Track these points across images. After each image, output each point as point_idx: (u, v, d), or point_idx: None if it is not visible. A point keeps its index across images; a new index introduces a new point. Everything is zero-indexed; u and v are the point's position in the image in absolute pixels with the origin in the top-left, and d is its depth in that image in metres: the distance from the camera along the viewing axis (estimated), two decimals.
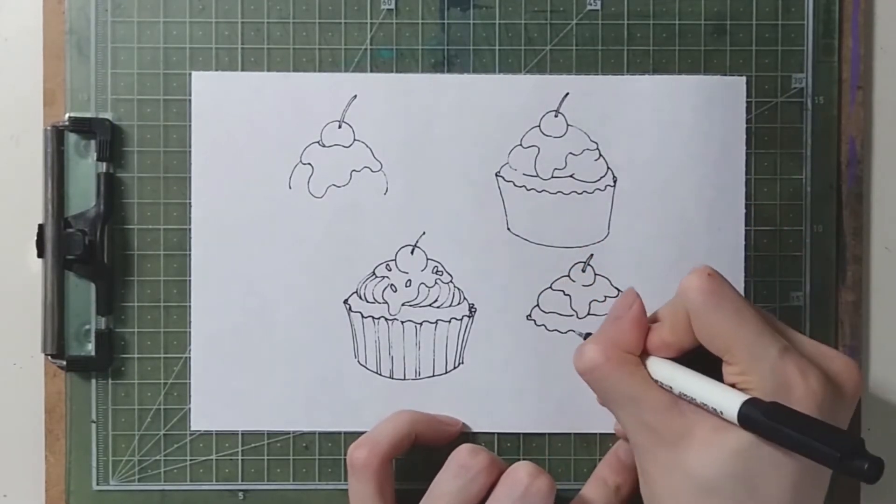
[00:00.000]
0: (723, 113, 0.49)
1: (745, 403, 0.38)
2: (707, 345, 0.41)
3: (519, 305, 0.49)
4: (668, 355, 0.42)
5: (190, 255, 0.49)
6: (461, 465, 0.44)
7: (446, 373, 0.49)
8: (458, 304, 0.49)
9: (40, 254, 0.48)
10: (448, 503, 0.44)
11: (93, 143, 0.49)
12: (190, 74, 0.49)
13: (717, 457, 0.39)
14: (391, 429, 0.46)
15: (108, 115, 0.49)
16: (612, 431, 0.49)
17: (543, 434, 0.49)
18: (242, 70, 0.49)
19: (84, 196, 0.49)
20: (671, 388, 0.41)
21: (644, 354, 0.43)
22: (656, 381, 0.42)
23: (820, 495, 0.41)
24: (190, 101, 0.49)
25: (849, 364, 0.41)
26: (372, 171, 0.49)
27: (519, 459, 0.48)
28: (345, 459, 0.47)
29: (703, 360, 0.41)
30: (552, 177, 0.49)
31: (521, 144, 0.49)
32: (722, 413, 0.39)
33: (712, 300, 0.40)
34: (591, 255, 0.49)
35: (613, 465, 0.47)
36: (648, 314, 0.43)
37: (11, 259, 0.50)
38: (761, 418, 0.38)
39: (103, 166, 0.49)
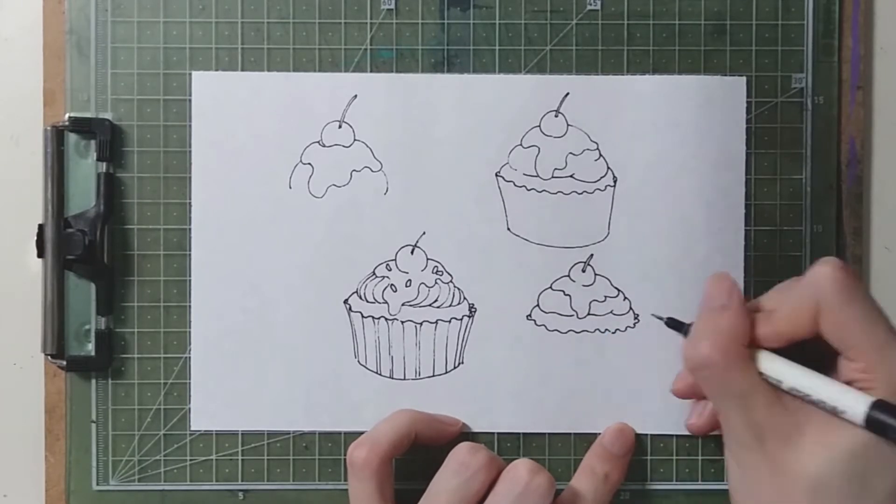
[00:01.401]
0: (723, 113, 0.49)
1: (875, 405, 0.38)
2: (832, 337, 0.40)
3: (519, 305, 0.49)
4: (778, 346, 0.41)
5: (190, 255, 0.49)
6: (460, 463, 0.44)
7: (446, 373, 0.49)
8: (458, 304, 0.49)
9: (40, 254, 0.48)
10: (448, 501, 0.44)
11: (93, 143, 0.49)
12: (190, 74, 0.49)
13: (832, 456, 0.39)
14: (391, 428, 0.46)
15: (108, 115, 0.49)
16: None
17: (543, 434, 0.49)
18: (242, 70, 0.49)
19: (84, 196, 0.49)
20: (780, 381, 0.40)
21: (751, 345, 0.41)
22: (761, 374, 0.41)
23: None
24: (190, 101, 0.49)
25: None
26: (372, 170, 0.49)
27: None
28: (345, 459, 0.47)
29: (802, 354, 0.40)
30: (552, 177, 0.49)
31: (521, 144, 0.49)
32: (844, 413, 0.39)
33: (847, 293, 0.39)
34: (591, 255, 0.49)
35: (601, 454, 0.47)
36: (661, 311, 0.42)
37: (11, 259, 0.50)
38: (892, 421, 0.37)
39: (103, 166, 0.49)
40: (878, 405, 0.38)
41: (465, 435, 0.49)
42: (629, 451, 0.48)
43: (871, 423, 0.38)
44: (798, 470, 0.39)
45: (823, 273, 0.40)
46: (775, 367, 0.41)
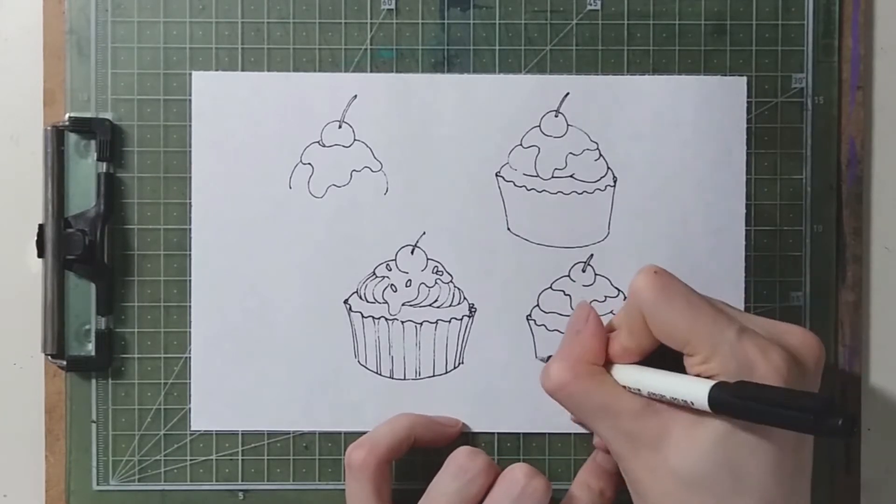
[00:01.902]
0: (723, 113, 0.49)
1: (714, 388, 0.39)
2: (665, 341, 0.41)
3: (519, 305, 0.49)
4: (631, 360, 0.43)
5: (190, 255, 0.49)
6: (459, 467, 0.44)
7: (446, 373, 0.49)
8: (458, 304, 0.49)
9: (40, 254, 0.48)
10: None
11: (93, 143, 0.49)
12: (190, 74, 0.49)
13: (697, 449, 0.39)
14: (390, 431, 0.46)
15: (108, 115, 0.49)
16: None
17: (543, 434, 0.49)
18: (242, 70, 0.49)
19: (84, 196, 0.49)
20: (639, 390, 0.41)
21: (608, 364, 0.43)
22: (625, 387, 0.42)
23: (804, 475, 0.41)
24: (190, 101, 0.49)
25: (807, 336, 0.41)
26: (372, 170, 0.49)
27: (519, 460, 0.48)
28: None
29: (666, 361, 0.42)
30: (552, 177, 0.49)
31: (521, 144, 0.49)
32: (693, 403, 0.39)
33: (663, 296, 0.41)
34: (591, 255, 0.49)
35: (594, 470, 0.47)
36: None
37: (11, 259, 0.50)
38: (731, 399, 0.38)
39: (103, 166, 0.49)
40: (717, 387, 0.39)
41: (465, 435, 0.49)
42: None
43: (714, 405, 0.38)
44: (672, 469, 0.40)
45: (637, 283, 0.41)
46: (630, 375, 0.42)
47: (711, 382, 0.39)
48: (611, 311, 0.49)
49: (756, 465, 0.39)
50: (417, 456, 0.48)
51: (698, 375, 0.40)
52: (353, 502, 0.45)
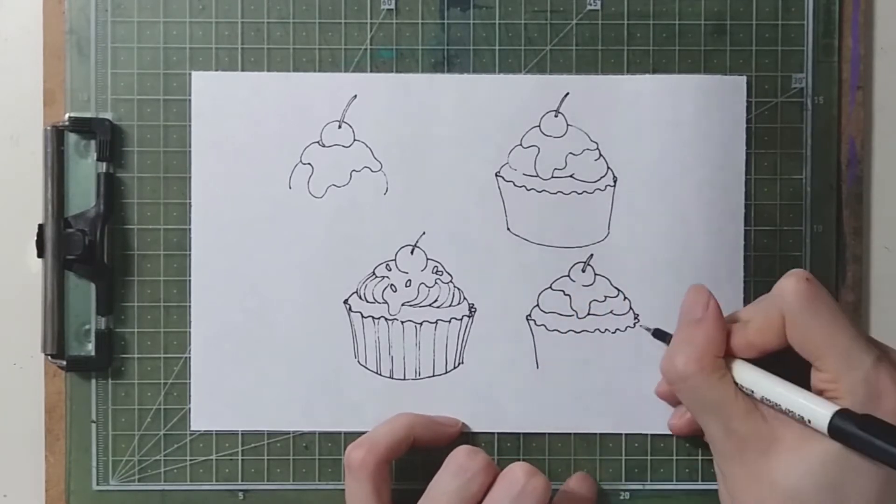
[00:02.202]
0: (723, 113, 0.49)
1: (837, 414, 0.38)
2: (800, 349, 0.41)
3: (519, 305, 0.49)
4: (751, 356, 0.42)
5: (190, 255, 0.49)
6: (459, 466, 0.44)
7: (446, 373, 0.49)
8: (458, 304, 0.49)
9: (40, 254, 0.48)
10: (447, 503, 0.44)
11: (93, 143, 0.49)
12: (190, 74, 0.49)
13: (805, 466, 0.39)
14: (389, 431, 0.46)
15: (108, 115, 0.49)
16: (611, 432, 0.49)
17: (543, 434, 0.49)
18: (242, 70, 0.49)
19: (84, 196, 0.49)
20: (753, 392, 0.41)
21: (727, 356, 0.43)
22: (738, 385, 0.42)
23: None
24: (190, 101, 0.49)
25: None
26: (372, 171, 0.49)
27: (519, 459, 0.48)
28: None
29: (783, 365, 0.41)
30: (552, 177, 0.49)
31: (521, 144, 0.49)
32: (810, 422, 0.39)
33: (811, 305, 0.40)
34: (591, 255, 0.49)
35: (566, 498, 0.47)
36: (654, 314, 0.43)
37: (11, 259, 0.50)
38: (854, 430, 0.38)
39: (103, 166, 0.49)
40: (841, 414, 0.38)
41: (465, 435, 0.49)
42: (594, 497, 0.48)
43: (834, 432, 0.38)
44: (774, 480, 0.40)
45: (787, 285, 0.41)
46: (749, 376, 0.42)
47: (834, 406, 0.39)
48: (611, 311, 0.49)
49: (859, 491, 0.39)
50: (417, 456, 0.48)
51: (821, 392, 0.40)
52: (352, 502, 0.45)
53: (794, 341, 0.41)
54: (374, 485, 0.45)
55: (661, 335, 0.47)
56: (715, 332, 0.42)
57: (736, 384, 0.42)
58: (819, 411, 0.39)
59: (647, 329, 0.47)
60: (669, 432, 0.49)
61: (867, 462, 0.39)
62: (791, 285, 0.41)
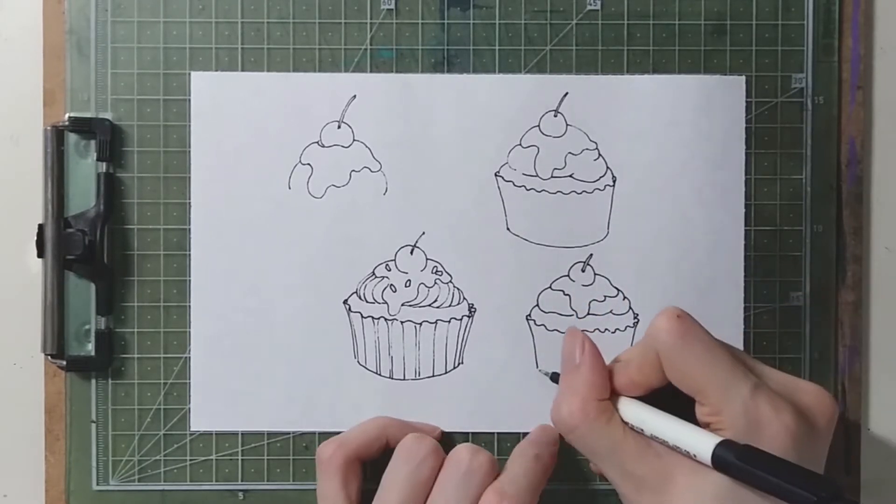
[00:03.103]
0: (723, 113, 0.49)
1: (719, 446, 0.38)
2: (679, 385, 0.41)
3: (519, 305, 0.49)
4: (636, 394, 0.42)
5: (190, 255, 0.49)
6: (408, 452, 0.45)
7: (446, 373, 0.49)
8: (458, 304, 0.49)
9: (40, 254, 0.48)
10: (400, 489, 0.45)
11: (93, 143, 0.49)
12: (190, 74, 0.49)
13: (698, 501, 0.39)
14: (361, 431, 0.47)
15: (108, 115, 0.49)
16: None
17: None
18: (242, 70, 0.49)
19: (84, 196, 0.49)
20: (642, 430, 0.41)
21: (612, 396, 0.43)
22: (627, 424, 0.42)
23: None
24: (190, 101, 0.49)
25: (821, 394, 0.41)
26: (371, 171, 0.49)
27: None
28: None
29: (673, 399, 0.41)
30: (552, 177, 0.49)
31: (520, 144, 0.49)
32: (695, 456, 0.39)
33: (683, 341, 0.41)
34: (591, 254, 0.49)
35: (526, 443, 0.47)
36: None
37: (11, 259, 0.50)
38: (735, 461, 0.38)
39: (103, 166, 0.49)
40: (722, 445, 0.38)
41: (465, 435, 0.49)
42: (555, 442, 0.48)
43: (717, 464, 0.38)
44: None
45: (659, 324, 0.41)
46: (636, 414, 0.42)
47: (717, 438, 0.39)
48: (610, 311, 0.49)
49: None
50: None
51: (706, 425, 0.40)
52: (322, 496, 0.46)
53: (673, 378, 0.41)
54: (343, 480, 0.46)
55: (556, 378, 0.47)
56: (594, 377, 0.43)
57: (625, 423, 0.42)
58: (702, 444, 0.39)
59: (546, 374, 0.48)
60: None
61: (757, 497, 0.39)
62: (663, 323, 0.41)
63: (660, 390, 0.42)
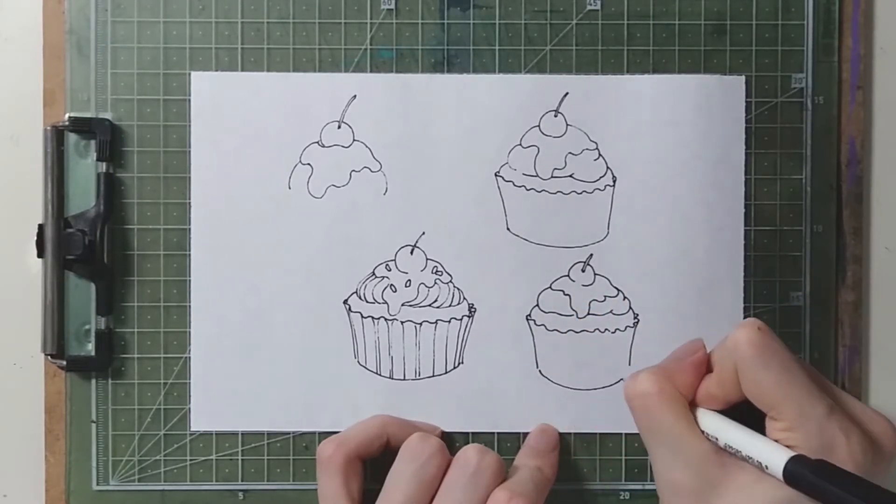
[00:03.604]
0: (722, 113, 0.49)
1: (792, 459, 0.39)
2: (754, 400, 0.41)
3: (519, 305, 0.49)
4: (715, 407, 0.43)
5: (190, 255, 0.49)
6: (413, 451, 0.45)
7: (446, 373, 0.49)
8: (458, 304, 0.49)
9: (40, 254, 0.48)
10: (405, 489, 0.45)
11: (93, 143, 0.49)
12: (190, 74, 0.49)
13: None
14: (362, 429, 0.47)
15: (108, 115, 0.49)
16: (611, 432, 0.49)
17: None
18: (242, 70, 0.49)
19: (84, 196, 0.49)
20: (717, 439, 0.42)
21: (693, 405, 0.43)
22: (703, 432, 0.42)
23: None
24: (190, 101, 0.49)
25: (889, 427, 0.42)
26: (371, 171, 0.49)
27: None
28: None
29: (748, 413, 0.42)
30: (552, 177, 0.49)
31: (520, 144, 0.49)
32: (767, 467, 0.40)
33: (762, 357, 0.40)
34: (591, 254, 0.49)
35: (528, 453, 0.48)
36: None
37: (11, 259, 0.50)
38: (808, 475, 0.38)
39: (103, 166, 0.49)
40: (796, 459, 0.39)
41: (465, 435, 0.49)
42: (555, 448, 0.48)
43: (789, 477, 0.39)
44: None
45: (739, 336, 0.41)
46: (713, 424, 0.42)
47: (791, 452, 0.39)
48: (610, 311, 0.49)
49: None
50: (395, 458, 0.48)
51: (777, 441, 0.40)
52: (322, 496, 0.46)
53: (749, 392, 0.41)
54: (344, 479, 0.46)
55: None
56: (689, 372, 0.43)
57: (702, 431, 0.42)
58: (776, 456, 0.39)
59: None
60: None
61: None
62: (742, 336, 0.41)
63: (737, 405, 0.42)
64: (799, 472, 0.38)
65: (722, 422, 0.42)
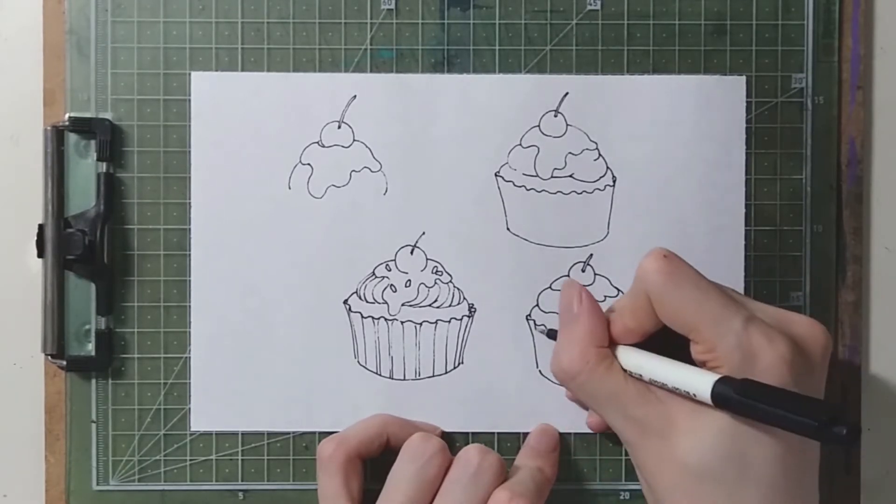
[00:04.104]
0: (723, 113, 0.49)
1: (718, 383, 0.38)
2: (671, 325, 0.41)
3: (519, 305, 0.49)
4: (633, 341, 0.43)
5: (190, 255, 0.49)
6: (415, 451, 0.45)
7: (446, 373, 0.49)
8: (458, 304, 0.49)
9: (40, 254, 0.48)
10: (407, 489, 0.45)
11: (93, 143, 0.49)
12: (190, 74, 0.49)
13: (702, 440, 0.39)
14: (362, 428, 0.47)
15: (108, 115, 0.49)
16: (611, 432, 0.49)
17: None
18: (242, 70, 0.49)
19: (84, 196, 0.49)
20: (641, 375, 0.41)
21: (610, 344, 0.43)
22: (626, 371, 0.42)
23: (811, 470, 0.41)
24: (190, 101, 0.49)
25: (813, 325, 0.41)
26: (371, 171, 0.49)
27: None
28: None
29: (668, 343, 0.41)
30: (552, 177, 0.49)
31: (520, 144, 0.49)
32: (695, 395, 0.39)
33: (672, 280, 0.41)
34: (591, 254, 0.49)
35: (529, 453, 0.48)
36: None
37: (11, 259, 0.50)
38: (735, 396, 0.38)
39: (103, 166, 0.49)
40: (720, 382, 0.38)
41: (465, 435, 0.49)
42: (555, 448, 0.48)
43: (717, 402, 0.38)
44: (678, 459, 0.40)
45: (647, 265, 0.41)
46: (634, 360, 0.42)
47: (715, 376, 0.39)
48: None
49: (761, 456, 0.39)
50: (394, 457, 0.48)
51: (702, 363, 0.40)
52: (322, 495, 0.46)
53: (665, 318, 0.41)
54: (344, 478, 0.46)
55: (553, 335, 0.47)
56: (593, 324, 0.43)
57: (624, 371, 0.42)
58: (700, 383, 0.39)
59: (542, 331, 0.48)
60: None
61: (759, 431, 0.39)
62: (650, 265, 0.41)
63: (655, 336, 0.42)
64: (726, 395, 0.38)
65: (643, 357, 0.42)
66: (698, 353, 0.40)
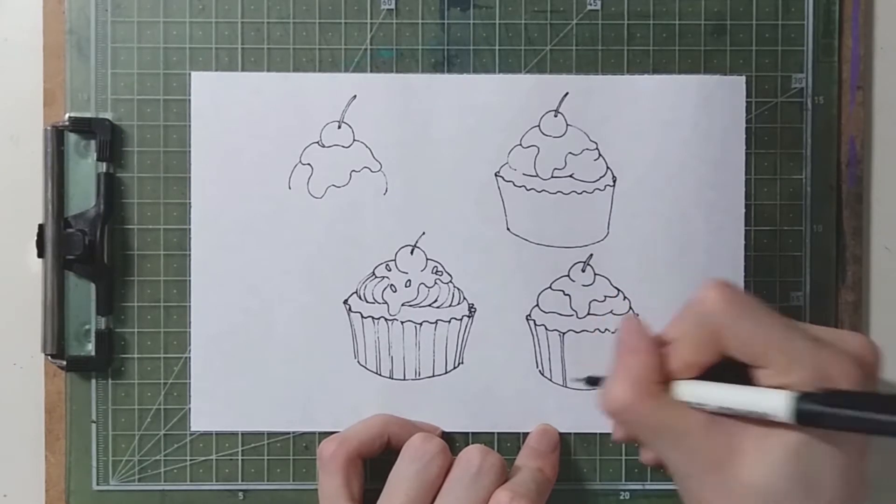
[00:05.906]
0: (722, 113, 0.49)
1: (800, 398, 0.38)
2: (738, 354, 0.40)
3: (519, 305, 0.49)
4: (692, 375, 0.41)
5: (190, 255, 0.49)
6: (416, 451, 0.45)
7: (446, 373, 0.49)
8: (458, 304, 0.49)
9: (40, 254, 0.48)
10: (408, 489, 0.45)
11: (93, 143, 0.49)
12: (190, 74, 0.49)
13: (771, 463, 0.39)
14: (363, 428, 0.47)
15: (108, 115, 0.49)
16: (611, 432, 0.48)
17: None
18: (242, 70, 0.49)
19: (84, 196, 0.49)
20: (705, 405, 0.40)
21: (665, 381, 0.41)
22: (688, 405, 0.40)
23: (864, 483, 0.41)
24: (190, 101, 0.49)
25: (864, 340, 0.41)
26: (371, 171, 0.49)
27: None
28: None
29: (720, 377, 0.40)
30: (552, 177, 0.49)
31: (520, 144, 0.49)
32: (773, 416, 0.38)
33: (737, 309, 0.40)
34: (591, 254, 0.49)
35: (529, 454, 0.48)
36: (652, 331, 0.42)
37: (11, 259, 0.50)
38: (821, 408, 0.37)
39: (103, 166, 0.49)
40: (804, 397, 0.38)
41: (465, 435, 0.49)
42: (555, 448, 0.48)
43: (801, 417, 0.38)
44: (745, 483, 0.39)
45: (708, 297, 0.40)
46: (695, 392, 0.40)
47: (789, 393, 0.38)
48: (611, 311, 0.49)
49: (829, 473, 0.39)
50: (394, 457, 0.48)
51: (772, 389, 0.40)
52: (323, 495, 0.46)
53: (735, 347, 0.40)
54: (345, 478, 0.46)
55: (594, 381, 0.46)
56: (649, 359, 0.41)
57: (687, 404, 0.40)
58: (779, 401, 0.38)
59: (579, 380, 0.48)
60: None
61: (828, 445, 0.38)
62: (712, 295, 0.40)
63: (707, 371, 0.41)
64: (811, 408, 0.37)
65: (704, 387, 0.40)
66: (768, 379, 0.39)
